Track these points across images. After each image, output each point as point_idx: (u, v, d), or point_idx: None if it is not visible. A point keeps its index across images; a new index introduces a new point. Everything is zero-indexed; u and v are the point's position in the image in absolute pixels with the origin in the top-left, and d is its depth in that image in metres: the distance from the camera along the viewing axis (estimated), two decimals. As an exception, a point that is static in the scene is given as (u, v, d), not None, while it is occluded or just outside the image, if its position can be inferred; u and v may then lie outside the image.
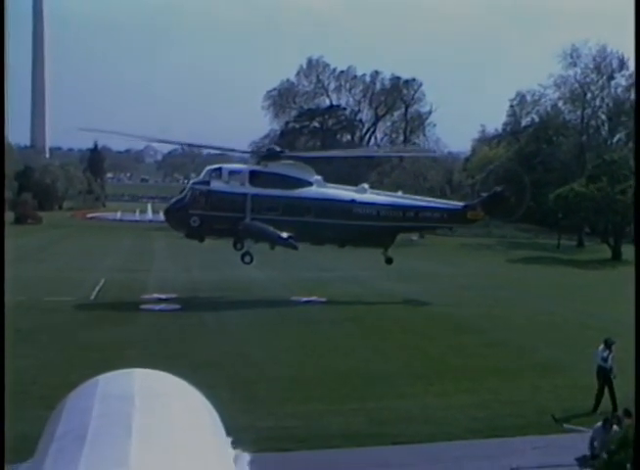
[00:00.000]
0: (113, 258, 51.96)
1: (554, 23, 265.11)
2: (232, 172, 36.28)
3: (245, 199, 35.33)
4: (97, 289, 37.36)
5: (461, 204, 40.52)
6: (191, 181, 38.82)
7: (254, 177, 36.02)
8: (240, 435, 5.11)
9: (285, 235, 34.95)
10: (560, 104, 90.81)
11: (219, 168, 36.67)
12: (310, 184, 36.71)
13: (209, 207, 35.23)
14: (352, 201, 36.71)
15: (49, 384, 18.74)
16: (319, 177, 37.48)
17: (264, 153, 37.72)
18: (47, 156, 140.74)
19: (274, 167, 36.47)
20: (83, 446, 3.51)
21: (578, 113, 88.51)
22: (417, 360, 24.45)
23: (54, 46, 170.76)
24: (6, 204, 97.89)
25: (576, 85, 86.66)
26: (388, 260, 37.80)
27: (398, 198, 38.67)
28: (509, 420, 18.28)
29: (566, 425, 17.32)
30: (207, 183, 35.89)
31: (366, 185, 38.51)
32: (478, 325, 30.99)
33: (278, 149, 40.30)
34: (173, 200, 37.97)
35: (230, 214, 35.16)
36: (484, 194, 39.64)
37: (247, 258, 35.58)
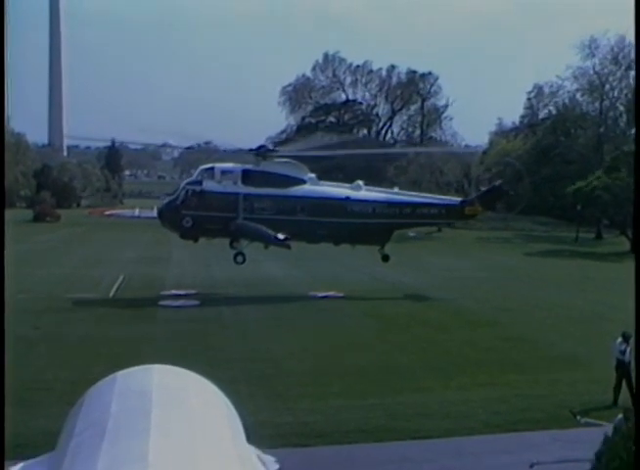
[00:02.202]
0: (131, 255, 52.19)
1: (571, 13, 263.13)
2: (224, 172, 36.09)
3: (237, 198, 35.24)
4: (116, 286, 37.55)
5: (458, 199, 40.54)
6: (184, 181, 38.57)
7: (247, 176, 35.84)
8: (258, 430, 5.15)
9: (281, 236, 34.83)
10: (578, 96, 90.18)
11: (212, 168, 36.52)
12: (304, 182, 36.48)
13: (202, 207, 35.05)
14: (347, 198, 36.43)
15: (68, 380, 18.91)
16: (313, 175, 37.24)
17: (256, 151, 37.54)
18: (65, 154, 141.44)
19: (267, 166, 36.28)
20: (102, 442, 3.55)
21: (596, 104, 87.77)
22: (434, 354, 24.42)
23: (71, 45, 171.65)
24: (24, 202, 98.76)
25: (595, 77, 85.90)
26: (385, 258, 37.51)
27: (394, 194, 38.44)
28: (528, 414, 18.23)
29: (585, 419, 17.23)
30: (200, 183, 35.75)
31: (361, 182, 37.95)
32: (495, 319, 30.93)
33: (271, 147, 40.11)
34: (166, 200, 37.87)
35: (223, 214, 35.03)
36: (483, 188, 39.88)
37: (239, 258, 35.48)
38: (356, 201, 36.50)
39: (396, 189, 40.25)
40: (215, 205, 35.19)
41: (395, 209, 36.88)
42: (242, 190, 35.42)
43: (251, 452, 4.41)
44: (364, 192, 37.35)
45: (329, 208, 35.95)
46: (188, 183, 36.81)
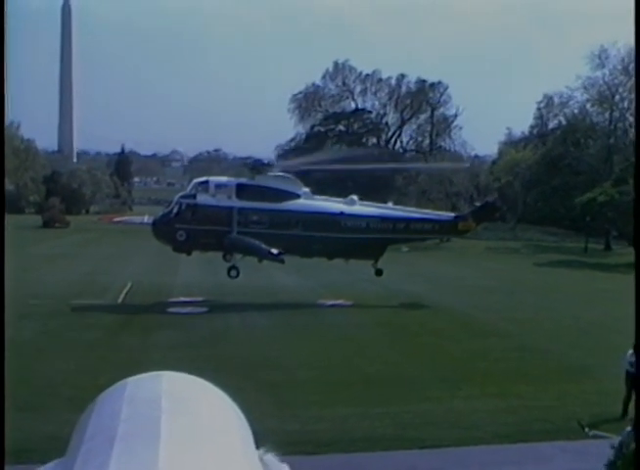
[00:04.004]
0: (139, 262, 52.28)
1: (581, 23, 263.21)
2: (219, 186, 36.20)
3: (231, 212, 35.24)
4: (124, 292, 37.59)
5: (452, 214, 40.76)
6: (178, 195, 38.64)
7: (242, 190, 35.90)
8: (265, 438, 5.12)
9: (275, 251, 34.79)
10: (588, 106, 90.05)
11: (206, 181, 36.67)
12: (298, 196, 36.56)
13: (196, 221, 35.10)
14: (341, 213, 36.49)
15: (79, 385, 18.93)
16: (307, 189, 37.38)
17: (252, 164, 37.71)
18: (74, 160, 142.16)
19: (261, 180, 36.34)
20: (112, 449, 3.52)
21: (606, 115, 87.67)
22: (443, 364, 24.35)
23: (82, 51, 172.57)
24: (33, 208, 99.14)
25: (604, 87, 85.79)
26: (378, 272, 37.56)
27: (388, 209, 38.56)
28: (537, 425, 18.14)
29: (593, 431, 17.13)
30: (194, 197, 35.84)
31: (355, 197, 37.93)
32: (504, 329, 30.82)
33: (266, 161, 40.25)
34: (160, 213, 37.88)
35: (217, 228, 35.00)
36: (477, 204, 40.44)
37: (233, 273, 35.51)
38: (350, 216, 36.53)
39: (390, 204, 40.30)
40: (209, 219, 35.14)
41: (389, 224, 36.94)
42: (236, 204, 35.43)
43: (258, 458, 4.37)
44: (358, 207, 37.40)
45: (323, 222, 35.98)
46: (182, 197, 36.75)
